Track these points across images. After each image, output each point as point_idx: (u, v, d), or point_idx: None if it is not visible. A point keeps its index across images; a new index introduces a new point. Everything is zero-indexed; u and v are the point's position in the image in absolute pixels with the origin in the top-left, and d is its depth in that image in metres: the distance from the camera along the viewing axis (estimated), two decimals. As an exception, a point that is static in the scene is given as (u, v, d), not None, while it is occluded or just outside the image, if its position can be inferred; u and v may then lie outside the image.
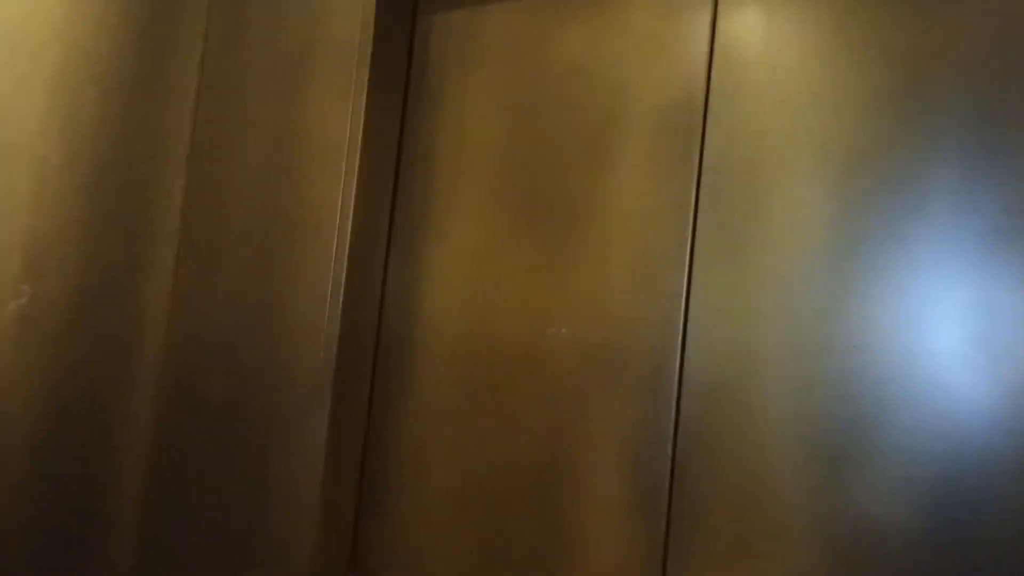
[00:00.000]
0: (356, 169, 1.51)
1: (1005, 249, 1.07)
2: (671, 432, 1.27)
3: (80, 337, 1.60)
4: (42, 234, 1.53)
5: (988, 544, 1.05)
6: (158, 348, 1.69)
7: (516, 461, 1.40)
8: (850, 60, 1.19)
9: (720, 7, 1.30)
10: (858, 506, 1.12)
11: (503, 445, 1.42)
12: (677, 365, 1.27)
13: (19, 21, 1.47)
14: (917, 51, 1.15)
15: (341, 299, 1.50)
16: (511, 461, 1.41)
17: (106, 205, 1.63)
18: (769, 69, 1.25)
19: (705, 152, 1.28)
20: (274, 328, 1.56)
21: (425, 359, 1.54)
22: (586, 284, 1.37)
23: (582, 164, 1.40)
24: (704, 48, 1.31)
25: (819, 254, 1.19)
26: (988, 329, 1.08)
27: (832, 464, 1.15)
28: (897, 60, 1.16)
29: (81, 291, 1.60)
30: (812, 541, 1.14)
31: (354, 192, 1.51)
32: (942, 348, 1.10)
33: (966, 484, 1.07)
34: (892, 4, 1.17)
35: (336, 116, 1.53)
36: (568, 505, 1.35)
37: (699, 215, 1.27)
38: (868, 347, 1.14)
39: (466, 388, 1.48)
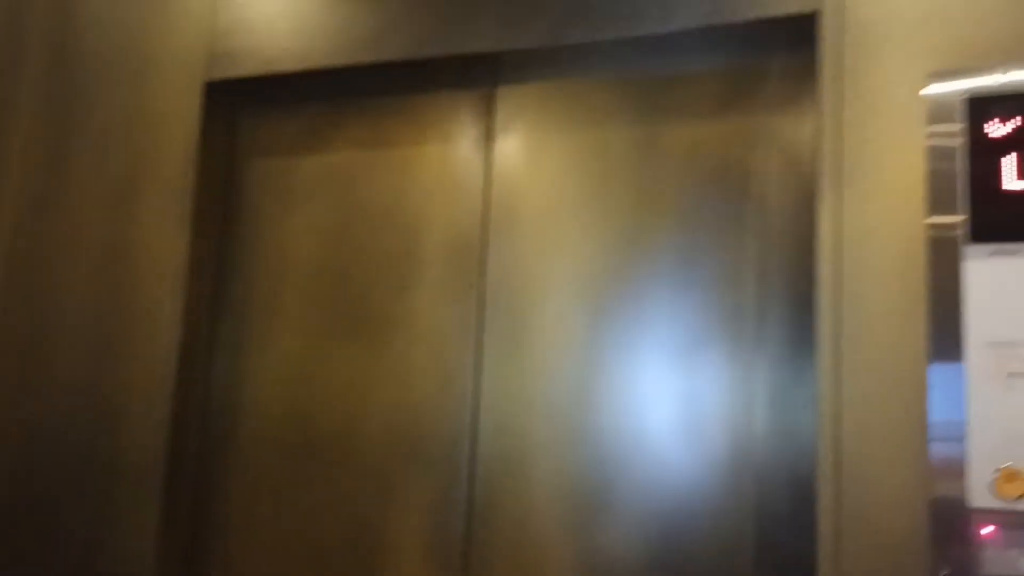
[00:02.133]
0: (183, 284, 1.71)
1: (700, 354, 1.47)
2: (465, 500, 1.56)
3: None
4: None
5: (692, 567, 1.43)
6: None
7: (333, 533, 1.64)
8: (594, 208, 1.57)
9: (494, 166, 1.66)
10: (604, 543, 1.47)
11: (321, 521, 1.65)
12: (468, 448, 1.58)
13: None
14: (642, 206, 1.55)
15: (170, 398, 1.68)
16: (328, 534, 1.64)
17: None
18: (533, 213, 1.61)
19: (485, 280, 1.62)
20: (107, 425, 1.70)
21: (247, 451, 1.74)
22: (391, 384, 1.65)
23: (386, 284, 1.69)
24: (481, 196, 1.65)
25: (574, 357, 1.54)
26: (690, 413, 1.46)
27: (586, 515, 1.49)
28: (629, 211, 1.55)
29: None
30: (574, 570, 1.48)
31: (182, 304, 1.71)
32: (660, 427, 1.48)
33: (676, 524, 1.44)
34: (622, 172, 1.57)
35: (164, 240, 1.73)
36: (380, 563, 1.60)
37: (484, 328, 1.60)
38: (610, 427, 1.50)
39: (285, 475, 1.70)
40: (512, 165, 1.65)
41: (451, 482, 1.58)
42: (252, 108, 1.88)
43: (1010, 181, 1.22)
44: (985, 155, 1.24)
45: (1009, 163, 1.22)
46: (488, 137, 1.67)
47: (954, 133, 1.27)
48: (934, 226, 1.26)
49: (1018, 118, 1.23)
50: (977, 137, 1.25)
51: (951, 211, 1.25)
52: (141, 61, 1.83)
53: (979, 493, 1.19)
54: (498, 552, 1.53)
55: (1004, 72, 1.25)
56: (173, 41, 1.82)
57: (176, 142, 1.77)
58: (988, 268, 1.22)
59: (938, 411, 1.23)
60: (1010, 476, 1.18)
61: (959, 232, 1.24)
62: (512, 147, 1.65)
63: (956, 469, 1.20)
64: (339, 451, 1.67)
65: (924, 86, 1.29)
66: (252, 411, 1.75)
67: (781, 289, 1.44)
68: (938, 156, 1.27)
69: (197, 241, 1.75)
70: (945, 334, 1.24)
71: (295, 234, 1.78)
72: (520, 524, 1.53)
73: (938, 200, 1.26)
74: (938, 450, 1.22)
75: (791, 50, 1.47)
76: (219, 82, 1.79)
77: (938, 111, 1.28)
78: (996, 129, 1.24)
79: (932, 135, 1.28)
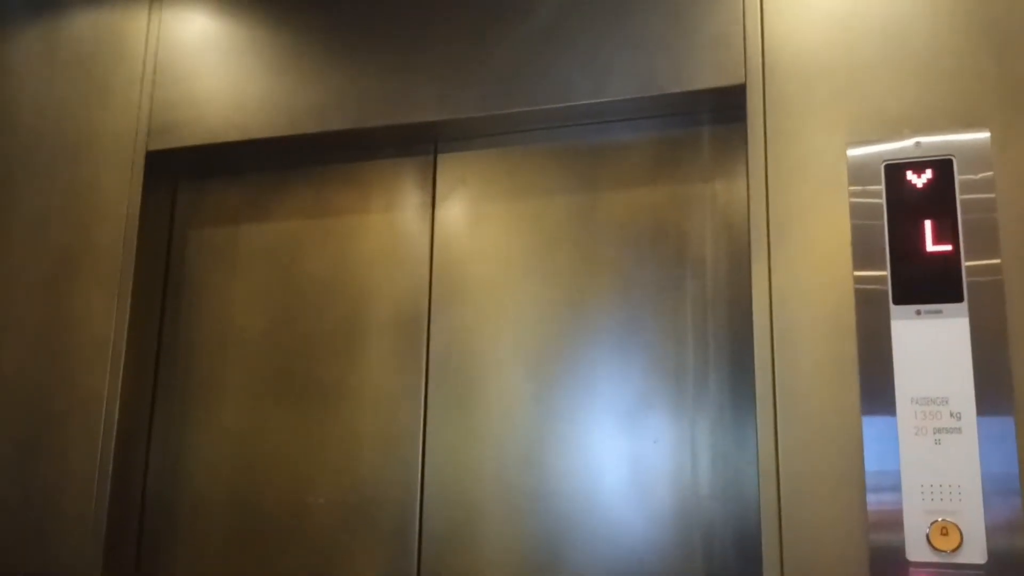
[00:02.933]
0: (121, 360, 1.69)
1: (643, 415, 1.50)
2: (415, 572, 1.56)
3: None
4: None
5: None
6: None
7: (282, 614, 1.61)
8: (537, 275, 1.60)
9: (437, 233, 1.68)
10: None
11: (269, 601, 1.63)
12: (417, 519, 1.57)
13: None
14: (583, 272, 1.58)
15: (109, 481, 1.65)
16: (277, 614, 1.62)
17: None
18: (477, 280, 1.63)
19: (431, 347, 1.63)
20: (42, 512, 1.65)
21: (191, 531, 1.71)
22: (339, 457, 1.64)
23: (333, 356, 1.69)
24: (426, 263, 1.67)
25: (522, 422, 1.56)
26: (635, 474, 1.48)
27: (539, 585, 1.50)
28: (570, 277, 1.58)
29: None
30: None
31: (120, 381, 1.68)
32: (608, 488, 1.49)
33: (627, 586, 1.46)
34: (563, 238, 1.60)
35: (101, 314, 1.71)
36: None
37: (429, 397, 1.61)
38: (559, 491, 1.51)
39: (231, 554, 1.67)
40: (455, 232, 1.67)
41: (401, 554, 1.57)
42: (194, 178, 1.88)
43: (928, 244, 1.28)
44: (903, 219, 1.30)
45: (927, 227, 1.29)
46: (431, 204, 1.70)
47: (876, 193, 1.32)
48: (862, 280, 1.31)
49: (932, 184, 1.30)
50: (895, 202, 1.31)
51: (878, 266, 1.30)
52: (80, 135, 1.83)
53: (916, 546, 1.22)
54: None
55: (917, 141, 1.32)
56: (113, 114, 1.82)
57: (116, 214, 1.76)
58: (913, 327, 1.27)
59: (874, 463, 1.26)
60: (944, 530, 1.22)
61: (887, 287, 1.29)
62: (455, 214, 1.68)
63: (894, 521, 1.24)
64: (286, 527, 1.65)
65: (844, 152, 1.35)
66: (195, 490, 1.73)
67: (720, 350, 1.48)
68: (862, 213, 1.33)
69: (137, 314, 1.73)
70: (877, 387, 1.28)
71: (238, 305, 1.78)
72: (471, 594, 1.53)
73: (865, 255, 1.31)
74: (875, 502, 1.25)
75: (721, 119, 1.53)
76: (161, 152, 1.79)
77: (860, 173, 1.34)
78: (912, 194, 1.30)
79: (855, 194, 1.34)
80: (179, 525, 1.72)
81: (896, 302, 1.28)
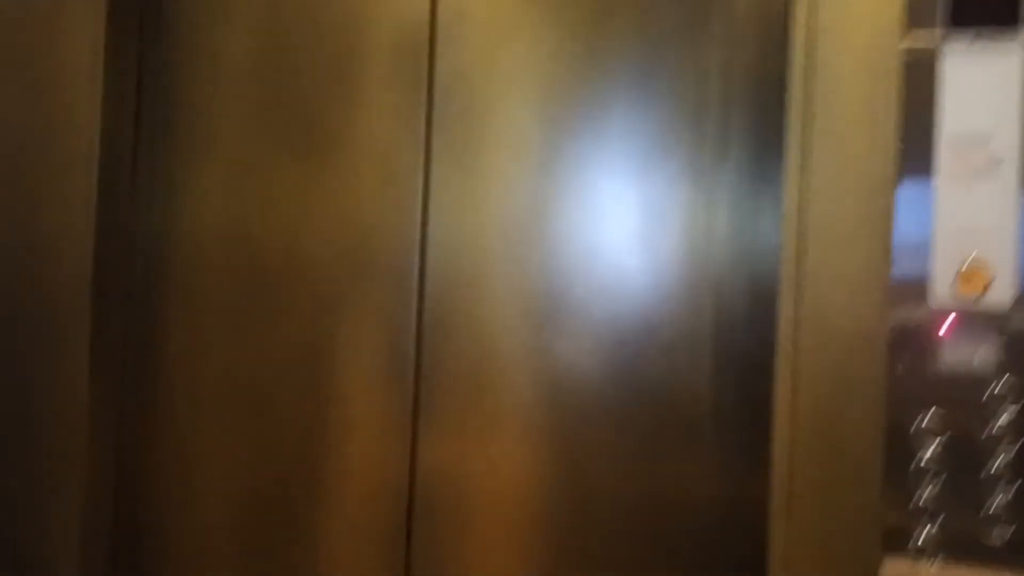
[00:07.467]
0: (100, 90, 1.57)
1: (659, 162, 1.42)
2: (415, 315, 1.52)
3: None
4: None
5: (647, 375, 1.42)
6: None
7: (281, 354, 1.58)
8: (549, 7, 1.47)
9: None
10: (560, 355, 1.46)
11: (267, 342, 1.59)
12: (418, 261, 1.52)
13: None
14: (599, 8, 1.45)
15: (94, 214, 1.56)
16: (276, 354, 1.58)
17: None
18: (484, 13, 1.50)
19: (435, 79, 1.50)
20: (25, 250, 1.59)
21: (183, 274, 1.64)
22: (337, 196, 1.56)
23: (328, 87, 1.56)
24: (429, -9, 1.53)
25: (530, 166, 1.47)
26: (648, 222, 1.42)
27: (541, 327, 1.47)
28: (586, 13, 1.45)
29: None
30: (528, 384, 1.47)
31: (99, 111, 1.57)
32: (617, 237, 1.44)
33: (632, 334, 1.43)
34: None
35: (78, 41, 1.57)
36: (331, 380, 1.56)
37: (432, 134, 1.50)
38: (565, 237, 1.46)
39: (226, 295, 1.61)
40: (462, -43, 1.51)
41: (401, 297, 1.53)
42: None
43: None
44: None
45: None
46: (435, -76, 1.53)
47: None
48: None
49: None
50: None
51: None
52: None
53: (942, 289, 1.18)
54: (452, 365, 1.50)
55: None
56: None
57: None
58: (963, 60, 1.17)
59: (906, 206, 1.20)
60: (970, 276, 1.17)
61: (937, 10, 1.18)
62: (461, -64, 1.51)
63: (921, 265, 1.19)
64: (285, 273, 1.58)
65: None
66: (185, 232, 1.63)
67: (746, 88, 1.38)
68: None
69: (113, 39, 1.58)
70: (917, 124, 1.20)
71: (223, 29, 1.61)
72: (473, 336, 1.49)
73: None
74: (903, 246, 1.20)
75: None
76: None
77: None
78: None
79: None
80: (173, 275, 1.64)
81: (950, 24, 1.16)
